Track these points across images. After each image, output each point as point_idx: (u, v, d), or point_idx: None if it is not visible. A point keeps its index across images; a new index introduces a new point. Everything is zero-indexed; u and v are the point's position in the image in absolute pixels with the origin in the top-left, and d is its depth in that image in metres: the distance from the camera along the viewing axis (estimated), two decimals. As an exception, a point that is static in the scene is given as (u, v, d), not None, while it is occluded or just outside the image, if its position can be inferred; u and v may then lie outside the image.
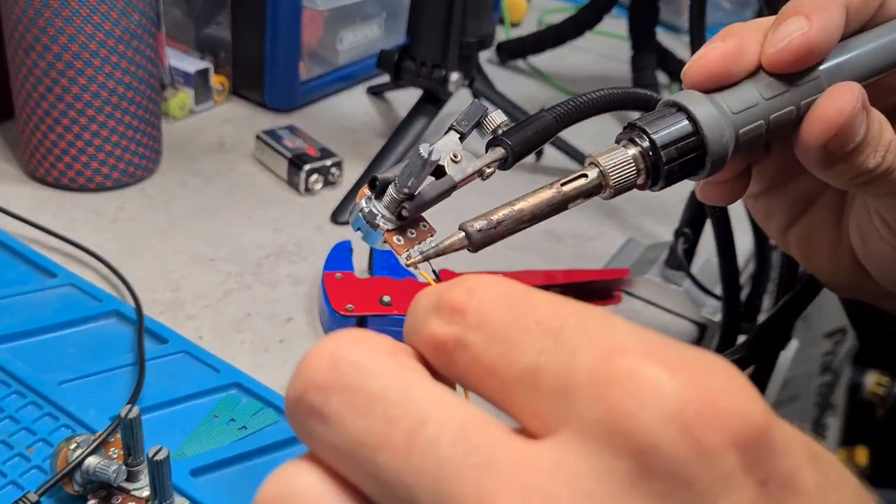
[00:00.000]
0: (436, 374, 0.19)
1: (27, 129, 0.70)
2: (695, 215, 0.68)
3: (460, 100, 0.83)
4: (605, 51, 1.15)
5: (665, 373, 0.16)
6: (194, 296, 0.62)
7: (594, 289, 0.68)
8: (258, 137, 0.80)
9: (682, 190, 0.85)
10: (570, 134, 0.81)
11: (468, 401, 0.18)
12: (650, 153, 0.32)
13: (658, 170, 0.32)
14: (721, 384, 0.16)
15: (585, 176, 0.31)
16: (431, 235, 0.34)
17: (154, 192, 0.74)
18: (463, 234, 0.29)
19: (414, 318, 0.20)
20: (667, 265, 0.69)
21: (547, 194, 0.31)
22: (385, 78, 0.94)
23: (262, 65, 0.87)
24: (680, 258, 0.68)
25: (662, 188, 0.33)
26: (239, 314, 0.61)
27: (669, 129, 0.32)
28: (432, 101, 0.80)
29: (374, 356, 0.18)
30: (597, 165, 0.31)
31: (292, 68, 0.88)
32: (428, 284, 0.29)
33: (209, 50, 0.90)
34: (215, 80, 0.88)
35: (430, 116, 0.80)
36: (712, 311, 0.68)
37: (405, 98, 0.92)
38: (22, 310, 0.57)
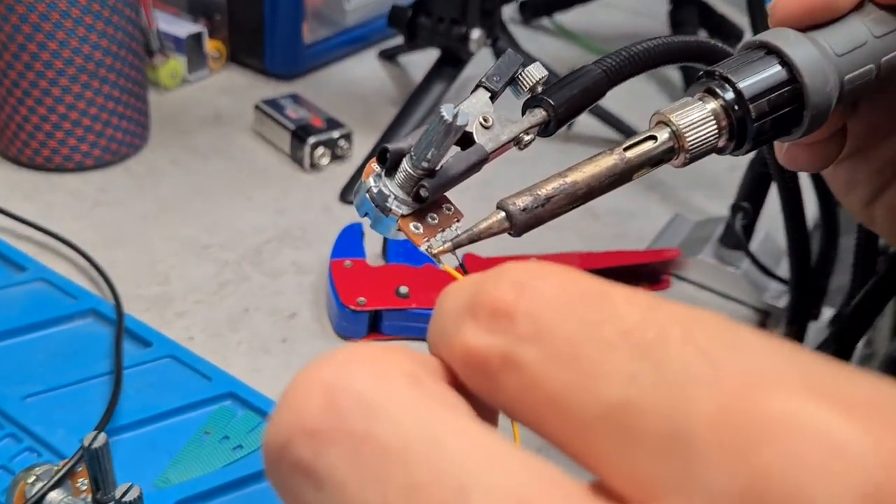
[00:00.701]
0: (468, 396, 0.15)
1: (-4, 102, 0.62)
2: (755, 187, 0.59)
3: (482, 62, 0.75)
4: (638, 6, 1.05)
5: (844, 420, 0.11)
6: (184, 290, 0.54)
7: (640, 273, 0.60)
8: (257, 108, 0.72)
9: (732, 158, 0.76)
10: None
11: (517, 440, 0.15)
12: (735, 107, 0.26)
13: (745, 128, 0.26)
14: None
15: (654, 138, 0.26)
16: (457, 221, 0.27)
17: (141, 172, 0.66)
18: (503, 214, 0.24)
19: (441, 323, 0.16)
20: (722, 244, 0.61)
21: (607, 162, 0.25)
22: (398, 40, 0.86)
23: (261, 27, 0.80)
24: (738, 235, 0.59)
25: (748, 151, 0.27)
26: (235, 310, 0.53)
27: (759, 77, 0.26)
28: (451, 62, 0.71)
29: (388, 385, 0.14)
30: (667, 125, 0.26)
31: (295, 31, 0.81)
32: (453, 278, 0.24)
33: (203, 12, 0.82)
34: (210, 46, 0.80)
35: (449, 80, 0.71)
36: (775, 295, 0.60)
37: (420, 62, 0.84)
38: (-16, 310, 0.50)
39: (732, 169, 0.74)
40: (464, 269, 0.27)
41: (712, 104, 0.26)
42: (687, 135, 0.26)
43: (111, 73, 0.62)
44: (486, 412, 0.15)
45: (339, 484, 0.13)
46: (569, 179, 0.25)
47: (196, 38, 0.78)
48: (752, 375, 0.12)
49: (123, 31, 0.62)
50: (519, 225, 0.24)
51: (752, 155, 0.58)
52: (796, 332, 0.55)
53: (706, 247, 0.61)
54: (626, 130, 0.73)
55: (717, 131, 0.26)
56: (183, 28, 0.78)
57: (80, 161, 0.64)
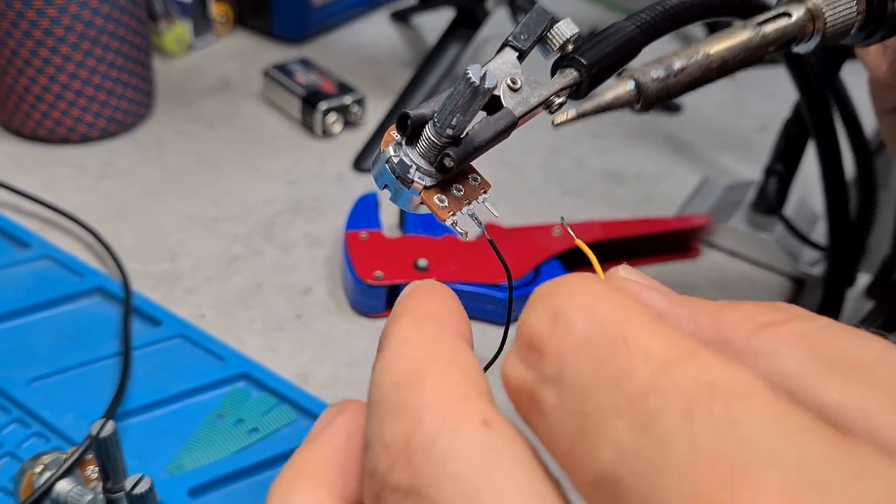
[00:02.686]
0: None
1: (-5, 72, 0.60)
2: (789, 148, 0.56)
3: (499, 22, 0.71)
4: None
5: None
6: (194, 266, 0.52)
7: (668, 241, 0.57)
8: (266, 74, 0.69)
9: (763, 118, 0.73)
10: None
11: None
12: None
13: (884, 11, 0.25)
14: None
15: (788, 15, 0.25)
16: (485, 192, 0.25)
17: (147, 143, 0.64)
18: (633, 83, 0.23)
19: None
20: (754, 209, 0.58)
21: (742, 35, 0.24)
22: (410, 1, 0.83)
23: (268, -11, 0.76)
24: (771, 200, 0.56)
25: (882, 39, 0.26)
26: (247, 286, 0.51)
27: None
28: (467, 22, 0.68)
29: (460, 434, 0.14)
30: (803, 2, 0.25)
31: (303, -8, 0.77)
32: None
33: (207, -25, 0.79)
34: (216, 10, 0.77)
35: (465, 41, 0.68)
36: (811, 262, 0.57)
37: (434, 23, 0.80)
38: (-13, 290, 0.48)
39: (762, 130, 0.71)
40: (492, 245, 0.25)
41: None
42: (826, 12, 0.24)
43: (113, 40, 0.60)
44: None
45: None
46: (702, 51, 0.24)
47: (201, 2, 0.75)
48: (731, 465, 0.12)
49: (124, -5, 0.59)
50: (650, 96, 0.23)
51: (786, 115, 0.55)
52: (833, 301, 0.52)
53: (737, 212, 0.59)
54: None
55: (855, 12, 0.25)
56: (187, -9, 0.75)
57: (84, 133, 0.61)
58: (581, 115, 0.23)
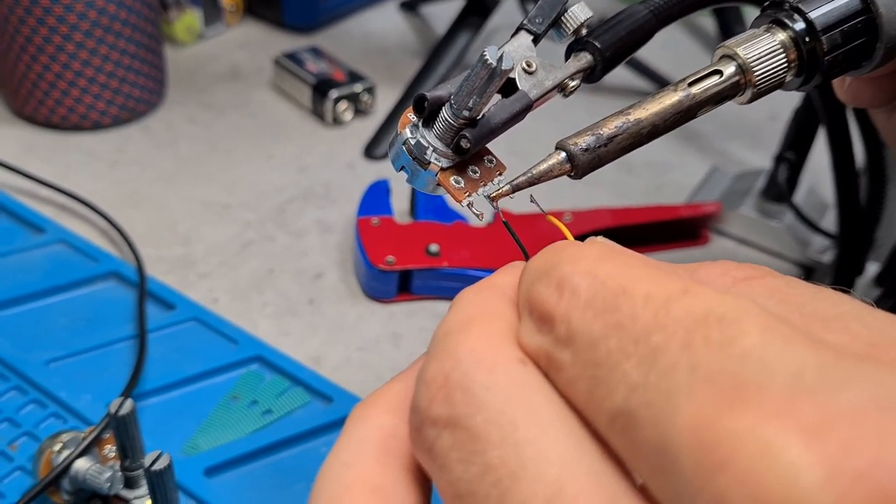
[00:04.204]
0: None
1: (8, 60, 0.60)
2: (800, 136, 0.56)
3: (509, 11, 0.72)
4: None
5: (804, 446, 0.11)
6: (207, 251, 0.53)
7: (678, 228, 0.57)
8: (277, 62, 0.69)
9: (773, 106, 0.73)
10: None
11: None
12: (806, 39, 0.25)
13: (815, 61, 0.25)
14: None
15: (719, 73, 0.24)
16: (500, 174, 0.25)
17: (158, 130, 0.64)
18: (563, 154, 0.23)
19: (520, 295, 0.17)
20: (764, 197, 0.59)
21: (671, 98, 0.24)
22: (419, -11, 0.83)
23: (278, -21, 0.76)
24: (781, 188, 0.57)
25: (817, 86, 0.26)
26: (260, 271, 0.52)
27: (832, 7, 0.25)
28: (477, 10, 0.68)
29: (497, 371, 0.15)
30: (733, 59, 0.24)
31: (313, -19, 0.77)
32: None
33: (217, -36, 0.79)
34: (226, -1, 0.77)
35: (475, 30, 0.68)
36: (820, 249, 0.57)
37: (443, 12, 0.81)
38: (2, 273, 0.48)
39: (772, 119, 0.71)
40: (510, 229, 0.25)
41: (781, 35, 0.25)
42: (755, 68, 0.24)
43: (125, 28, 0.60)
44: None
45: (445, 465, 0.15)
46: (632, 118, 0.23)
47: (211, -9, 0.75)
48: (729, 387, 0.12)
49: (137, -17, 0.60)
50: (581, 166, 0.23)
51: (796, 103, 0.55)
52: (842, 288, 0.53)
53: (747, 200, 0.59)
54: (660, 80, 0.70)
55: (786, 64, 0.24)
56: (198, -20, 0.75)
57: (97, 120, 0.62)
58: (516, 189, 0.23)
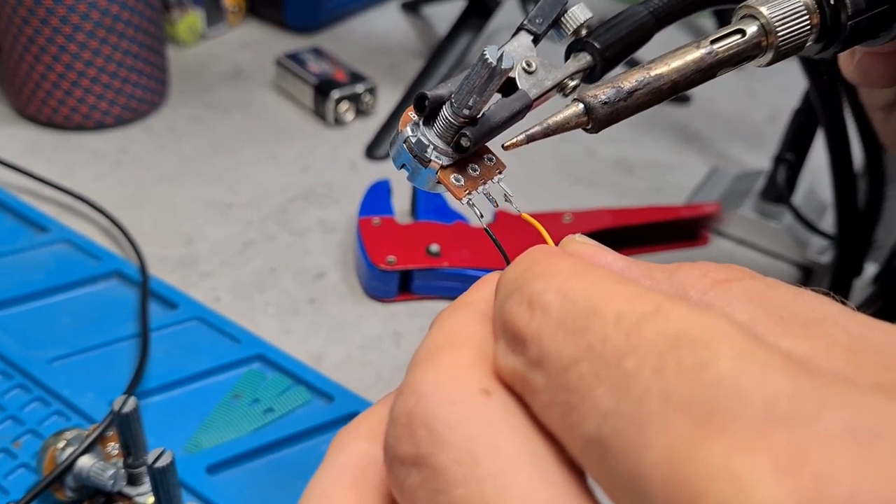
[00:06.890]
0: None
1: (11, 60, 0.61)
2: (799, 137, 0.56)
3: (510, 12, 0.72)
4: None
5: (774, 482, 0.11)
6: (209, 250, 0.53)
7: (677, 229, 0.57)
8: (279, 63, 0.70)
9: (774, 108, 0.73)
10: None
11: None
12: (830, 2, 0.25)
13: (838, 26, 0.25)
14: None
15: (742, 32, 0.24)
16: (500, 172, 0.26)
17: (161, 130, 0.64)
18: (581, 106, 0.23)
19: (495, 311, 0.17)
20: (763, 198, 0.59)
21: (694, 55, 0.24)
22: (420, -10, 0.83)
23: (280, -21, 0.77)
24: (781, 188, 0.57)
25: (836, 53, 0.26)
26: (262, 270, 0.52)
27: None
28: (478, 11, 0.69)
29: (459, 405, 0.15)
30: (756, 18, 0.24)
31: (315, -18, 0.77)
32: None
33: (220, -35, 0.79)
34: (228, 0, 0.77)
35: (476, 31, 0.69)
36: (819, 250, 0.58)
37: (445, 13, 0.81)
38: (6, 272, 0.49)
39: (772, 120, 0.72)
40: (491, 234, 0.25)
41: None
42: (778, 29, 0.24)
43: (129, 28, 0.60)
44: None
45: (413, 499, 0.15)
46: (653, 73, 0.23)
47: (214, -8, 0.76)
48: (702, 410, 0.12)
49: (140, -16, 0.60)
50: (599, 119, 0.23)
51: (795, 104, 0.56)
52: (841, 290, 0.53)
53: (746, 201, 0.59)
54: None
55: (809, 27, 0.25)
56: (200, -19, 0.75)
57: (100, 119, 0.62)
58: (530, 139, 0.23)
